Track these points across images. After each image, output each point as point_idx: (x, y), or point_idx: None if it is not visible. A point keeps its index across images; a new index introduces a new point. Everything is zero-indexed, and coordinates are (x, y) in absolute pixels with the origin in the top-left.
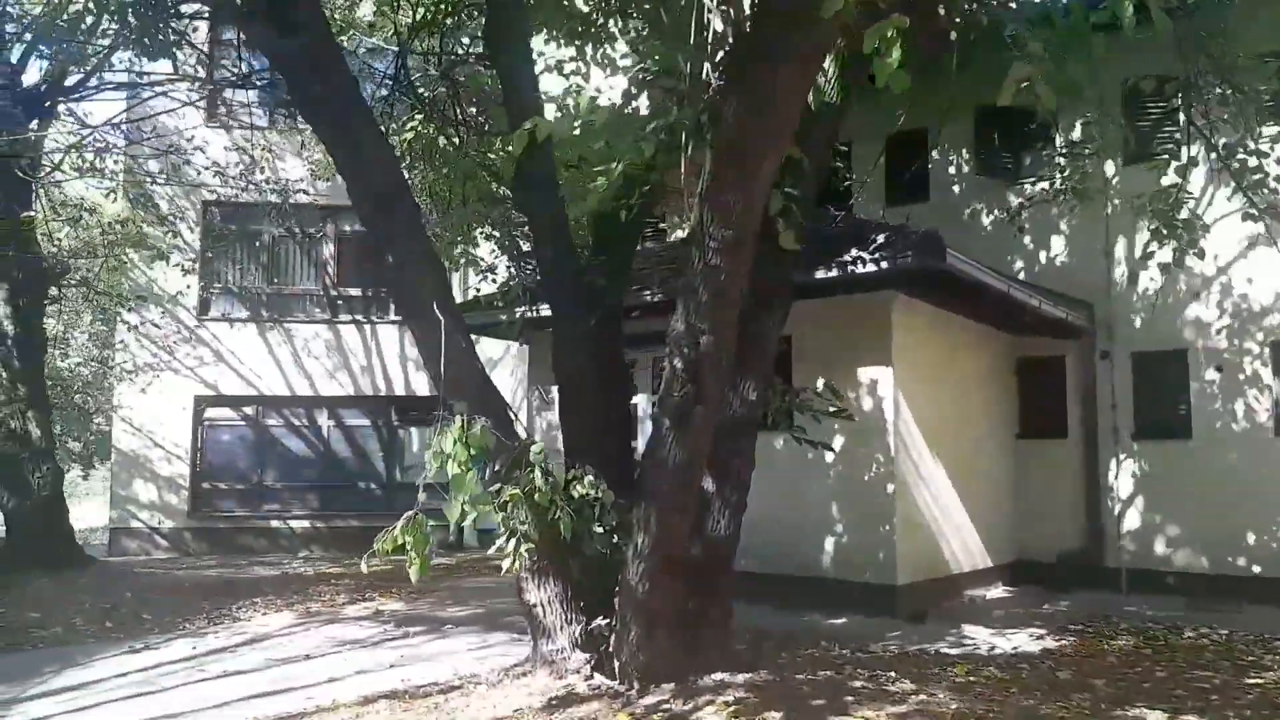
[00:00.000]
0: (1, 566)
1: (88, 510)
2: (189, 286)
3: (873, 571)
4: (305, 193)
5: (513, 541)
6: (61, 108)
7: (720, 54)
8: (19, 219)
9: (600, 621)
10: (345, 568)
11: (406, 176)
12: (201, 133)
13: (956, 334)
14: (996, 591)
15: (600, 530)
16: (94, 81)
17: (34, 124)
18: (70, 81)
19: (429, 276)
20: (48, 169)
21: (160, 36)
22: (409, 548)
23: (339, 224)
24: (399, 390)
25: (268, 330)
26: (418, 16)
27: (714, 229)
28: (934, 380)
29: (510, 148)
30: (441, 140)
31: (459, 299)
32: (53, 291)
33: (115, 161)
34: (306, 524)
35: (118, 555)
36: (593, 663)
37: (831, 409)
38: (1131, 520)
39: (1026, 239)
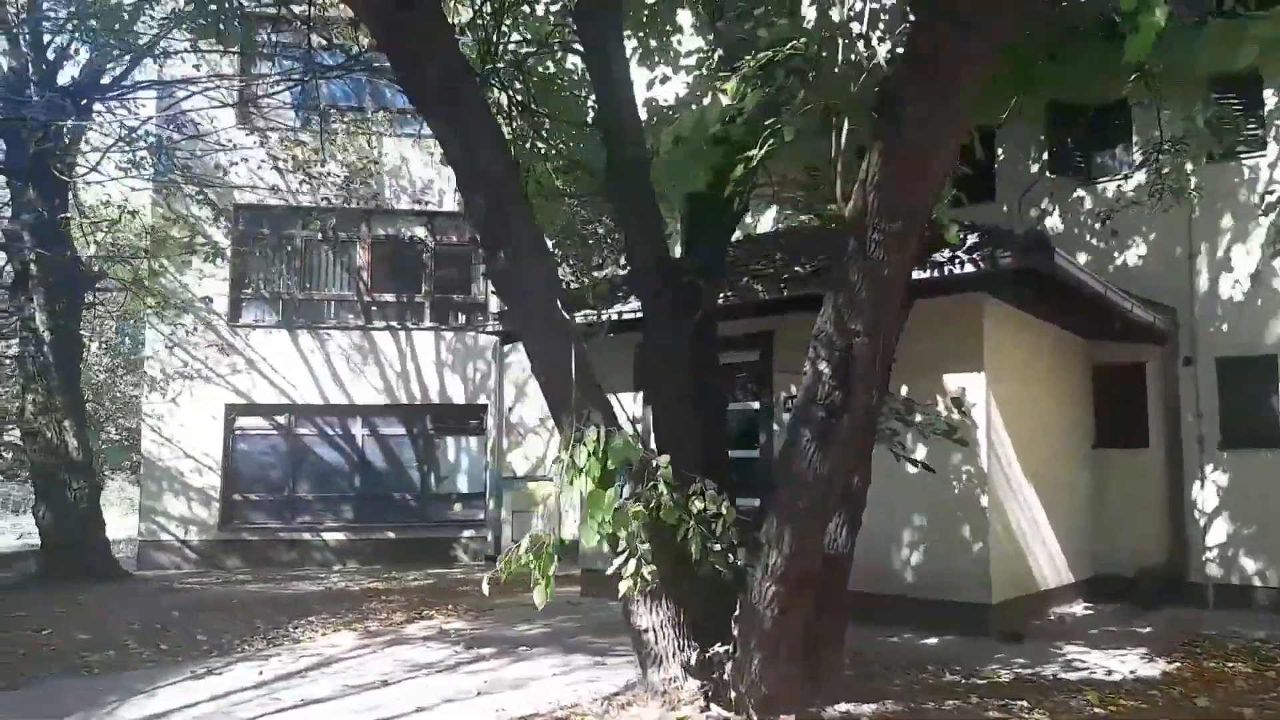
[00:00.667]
0: (38, 581)
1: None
2: (215, 297)
3: (964, 589)
4: (340, 196)
5: (632, 562)
6: (97, 106)
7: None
8: (56, 220)
9: (719, 648)
10: (388, 582)
11: None
12: (234, 135)
13: (1038, 339)
14: (1078, 608)
15: (719, 549)
16: (129, 80)
17: (69, 123)
18: (106, 80)
19: (544, 276)
20: (84, 170)
21: (223, 20)
22: (533, 570)
23: (373, 228)
24: (434, 398)
25: (300, 337)
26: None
27: (881, 220)
28: (1020, 387)
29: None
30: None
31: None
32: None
33: (150, 164)
34: (340, 537)
35: (147, 569)
36: (708, 692)
37: (943, 428)
38: (1217, 533)
39: (1096, 240)
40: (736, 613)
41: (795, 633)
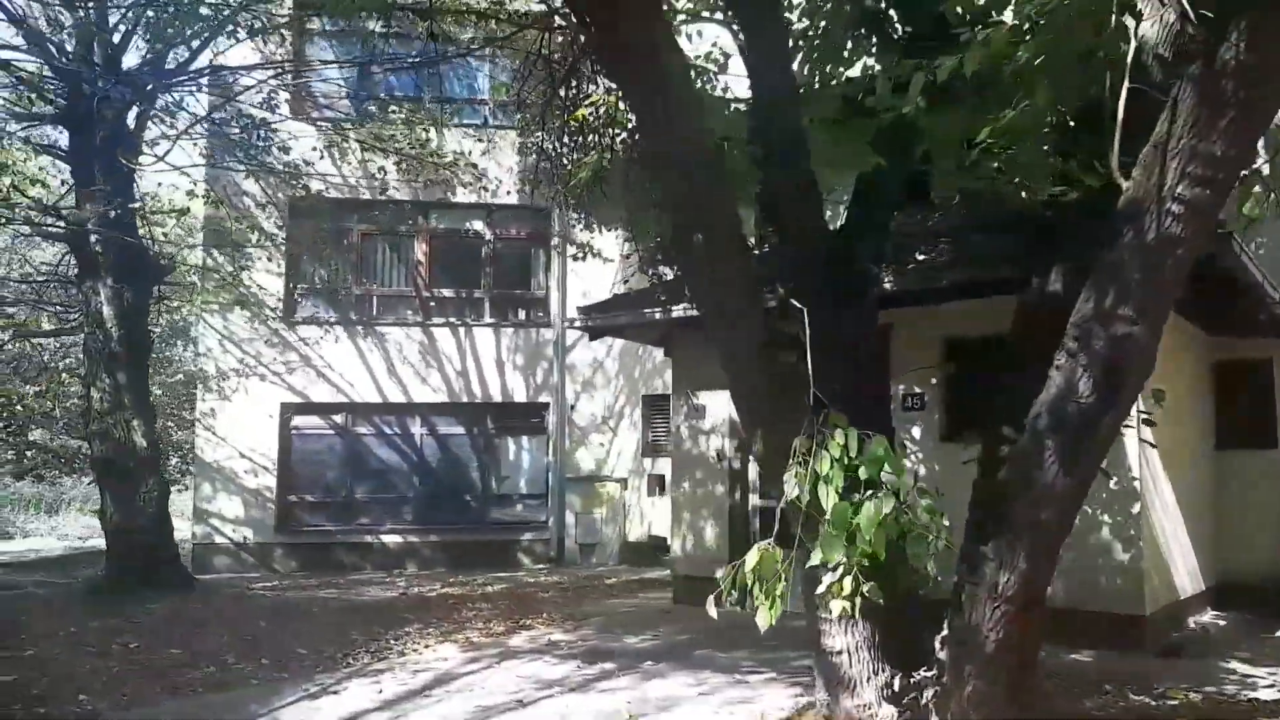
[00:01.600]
0: (106, 589)
1: None
2: (270, 292)
3: (1115, 599)
4: (400, 187)
5: (848, 579)
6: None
7: None
8: (124, 208)
9: (925, 673)
10: (461, 588)
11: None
12: (288, 126)
13: (1169, 333)
14: (1208, 617)
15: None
16: (191, 66)
17: (134, 109)
18: (170, 65)
19: (742, 265)
20: (151, 159)
21: None
22: (759, 588)
23: (432, 221)
24: (495, 396)
25: (358, 334)
26: None
27: (1184, 188)
28: (1156, 384)
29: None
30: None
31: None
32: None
33: (205, 155)
34: (399, 539)
35: (202, 573)
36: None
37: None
38: None
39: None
40: (943, 634)
41: (1018, 657)
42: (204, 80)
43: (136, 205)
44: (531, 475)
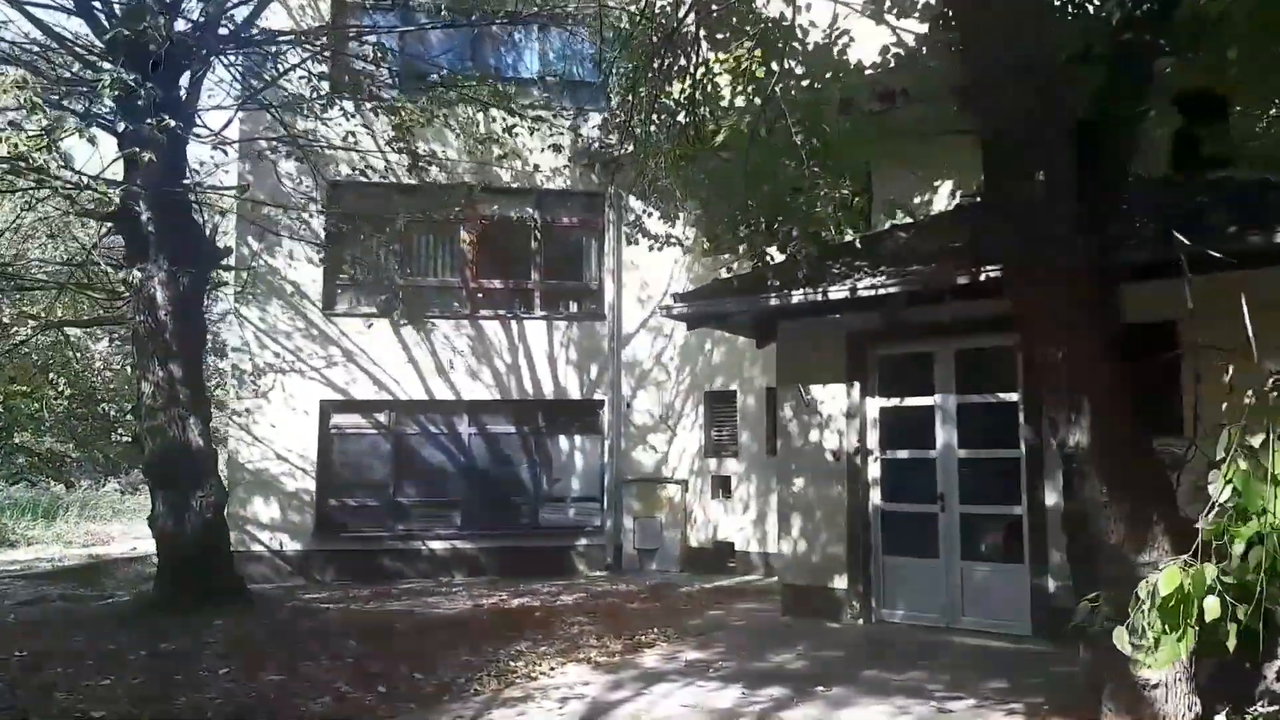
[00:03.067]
0: (163, 604)
1: (138, 530)
2: (308, 283)
3: None
4: (442, 170)
5: (1213, 602)
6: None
7: None
8: (190, 189)
9: (1265, 708)
10: (530, 597)
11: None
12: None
13: None
14: None
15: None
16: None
17: (186, 77)
18: (223, 31)
19: (1075, 229)
20: (208, 135)
21: None
22: (1157, 618)
23: (479, 209)
24: (547, 393)
25: (401, 327)
26: None
27: None
28: None
29: None
30: None
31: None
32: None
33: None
34: (446, 545)
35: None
36: None
37: None
38: None
39: None
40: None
41: None
42: (260, 42)
43: (189, 181)
44: (586, 477)
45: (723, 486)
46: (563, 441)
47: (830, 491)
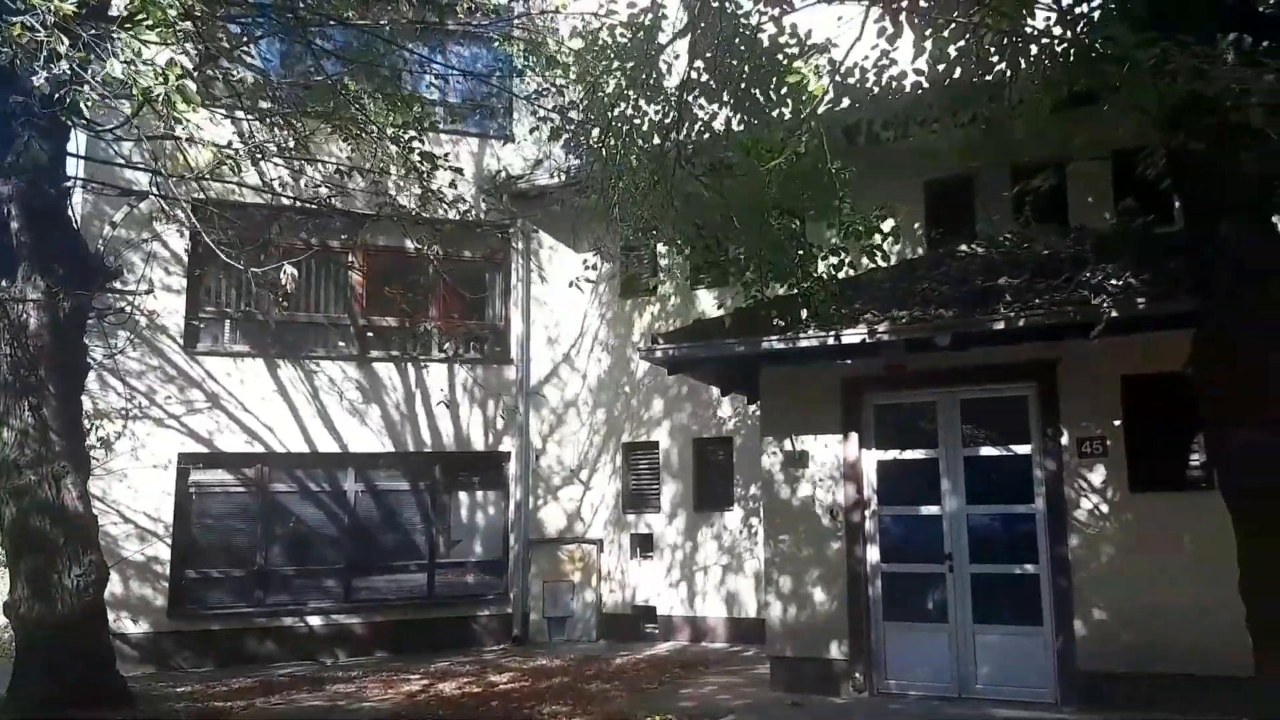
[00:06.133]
0: (24, 708)
1: None
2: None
3: None
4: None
5: None
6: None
7: None
8: (59, 187)
9: None
10: (453, 681)
11: None
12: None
13: None
14: None
15: None
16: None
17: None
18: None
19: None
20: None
21: None
22: None
23: (373, 238)
24: (448, 444)
25: (279, 368)
26: None
27: None
28: None
29: None
30: None
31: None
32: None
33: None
34: (327, 621)
35: None
36: None
37: None
38: None
39: None
40: None
41: None
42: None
43: (70, 184)
44: (489, 537)
45: (643, 545)
46: (463, 498)
47: (825, 551)
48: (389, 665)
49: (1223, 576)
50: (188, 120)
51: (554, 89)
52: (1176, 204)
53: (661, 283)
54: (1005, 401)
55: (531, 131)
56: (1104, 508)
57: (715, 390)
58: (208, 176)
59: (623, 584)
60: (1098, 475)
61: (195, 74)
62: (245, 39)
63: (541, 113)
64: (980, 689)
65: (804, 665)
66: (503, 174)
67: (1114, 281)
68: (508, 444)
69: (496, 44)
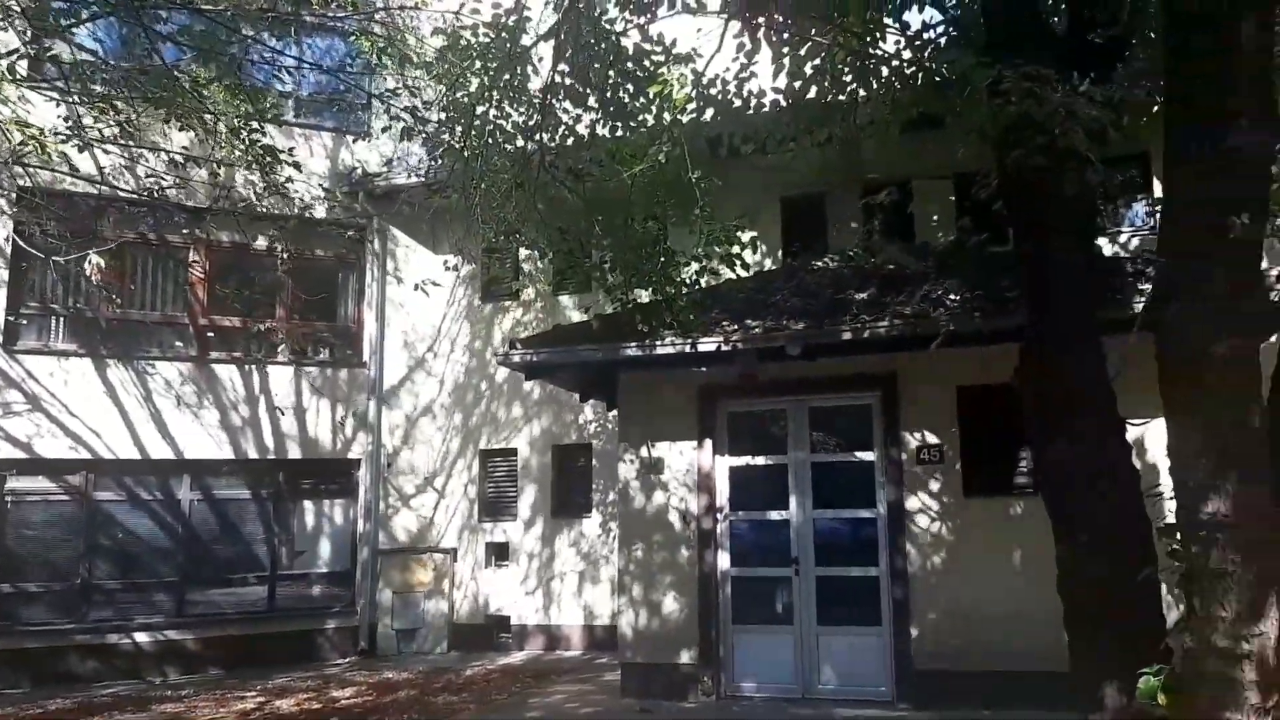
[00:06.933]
0: None
1: None
2: None
3: None
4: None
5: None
6: None
7: None
8: None
9: None
10: (291, 699)
11: None
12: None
13: None
14: None
15: None
16: None
17: None
18: None
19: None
20: None
21: None
22: None
23: (214, 232)
24: (293, 450)
25: (107, 369)
26: None
27: None
28: None
29: None
30: None
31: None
32: None
33: None
34: (156, 637)
35: None
36: None
37: None
38: None
39: None
40: None
41: None
42: None
43: None
44: (337, 547)
45: (498, 553)
46: (309, 506)
47: (677, 558)
48: (224, 683)
49: (1044, 577)
50: (9, 101)
51: (407, 89)
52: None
53: (524, 287)
54: (851, 410)
55: (384, 130)
56: (939, 513)
57: (576, 396)
58: (16, 161)
59: (477, 593)
60: (934, 481)
61: (22, 52)
62: (75, 18)
63: (394, 111)
64: (823, 689)
65: (654, 672)
66: (359, 171)
67: (952, 297)
68: (358, 450)
69: (353, 38)
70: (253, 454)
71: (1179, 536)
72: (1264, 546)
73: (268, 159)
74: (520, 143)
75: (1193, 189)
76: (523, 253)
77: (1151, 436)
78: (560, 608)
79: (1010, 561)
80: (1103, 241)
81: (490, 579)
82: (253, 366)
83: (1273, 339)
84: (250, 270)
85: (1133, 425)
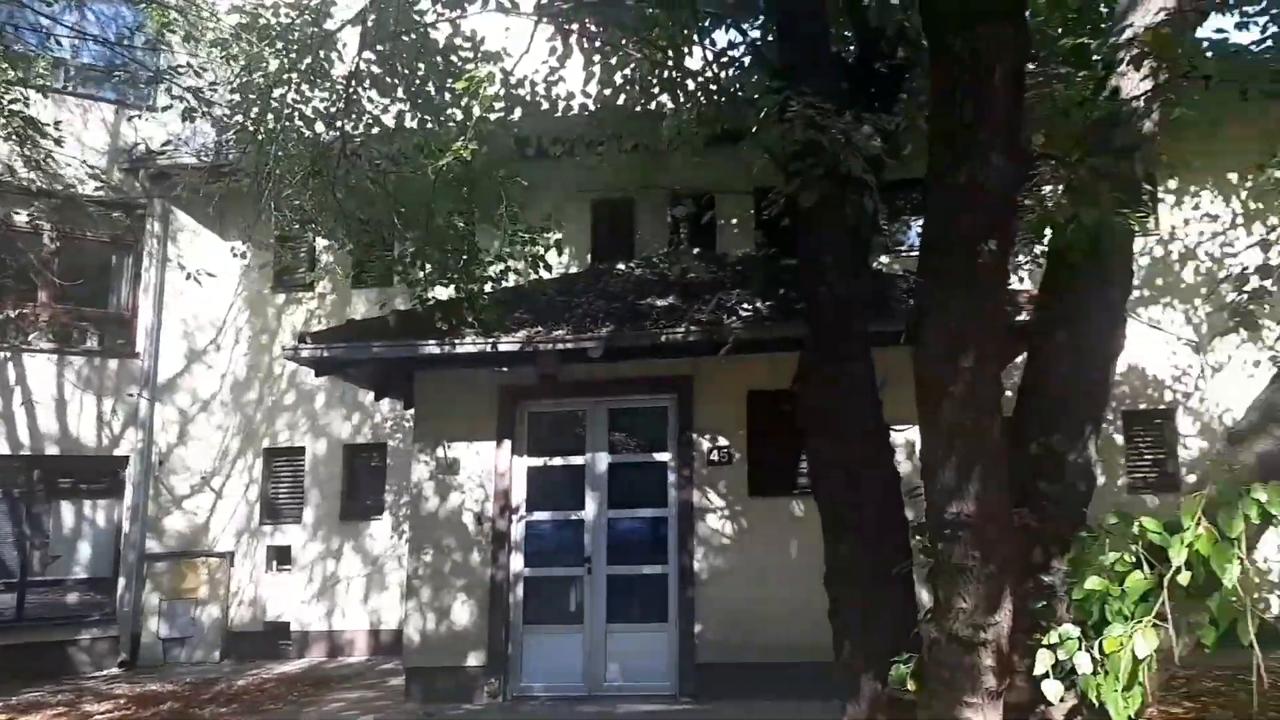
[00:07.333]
0: None
1: None
2: None
3: None
4: None
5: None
6: None
7: None
8: None
9: None
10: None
11: None
12: None
13: None
14: None
15: None
16: None
17: None
18: None
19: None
20: None
21: None
22: (1106, 678)
23: None
24: (51, 446)
25: None
26: None
27: None
28: None
29: None
30: None
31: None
32: None
33: None
34: None
35: None
36: None
37: None
38: None
39: None
40: None
41: None
42: None
43: None
44: (98, 551)
45: (280, 557)
46: (67, 508)
47: (470, 560)
48: None
49: (818, 573)
50: None
51: (192, 67)
52: None
53: (319, 278)
54: (649, 411)
55: (164, 109)
56: (726, 512)
57: (371, 394)
58: None
59: (255, 599)
60: (723, 482)
61: None
62: None
63: (176, 91)
64: (610, 686)
65: (441, 675)
66: (140, 148)
67: (745, 306)
68: (126, 447)
69: (141, 5)
70: (5, 449)
71: (929, 534)
72: (1000, 544)
73: (29, 131)
74: (321, 129)
75: (947, 217)
76: (320, 242)
77: (914, 443)
78: (345, 614)
79: (789, 558)
80: (886, 259)
81: (271, 584)
82: (8, 354)
83: (1019, 359)
84: (10, 248)
85: (897, 431)
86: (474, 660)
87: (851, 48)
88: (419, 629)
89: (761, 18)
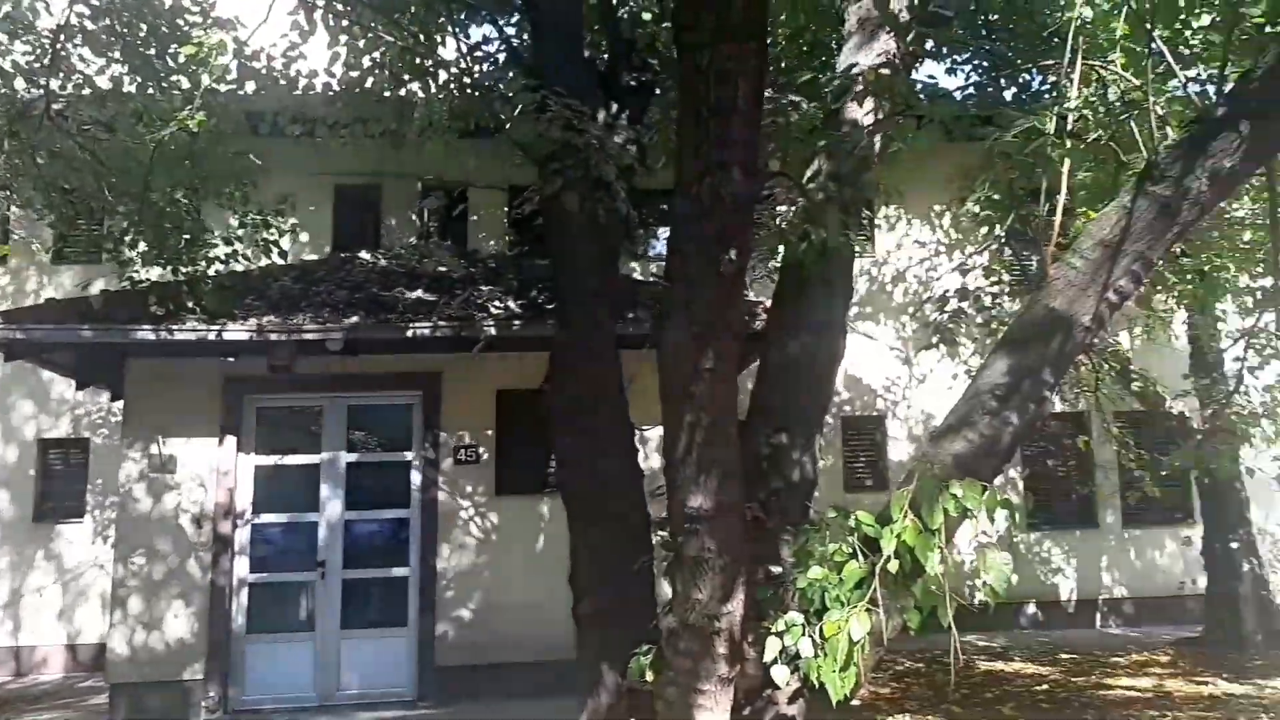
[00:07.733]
0: None
1: None
2: None
3: None
4: None
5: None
6: None
7: None
8: None
9: None
10: None
11: None
12: None
13: None
14: None
15: None
16: None
17: None
18: None
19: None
20: None
21: None
22: (824, 656)
23: None
24: None
25: None
26: None
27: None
28: None
29: None
30: None
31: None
32: None
33: None
34: None
35: None
36: None
37: None
38: None
39: None
40: None
41: None
42: None
43: None
44: None
45: None
46: None
47: (187, 566)
48: None
49: (562, 571)
50: None
51: None
52: None
53: (9, 254)
54: (392, 409)
55: None
56: (472, 512)
57: (71, 383)
58: None
59: None
60: (470, 481)
61: None
62: None
63: None
64: (344, 695)
65: (152, 691)
66: None
67: (496, 304)
68: None
69: None
70: None
71: (670, 528)
72: (734, 537)
73: None
74: (21, 85)
75: (691, 225)
76: (15, 212)
77: (658, 441)
78: (36, 627)
79: (535, 557)
80: (635, 265)
81: None
82: None
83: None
84: None
85: (642, 430)
86: (191, 673)
87: (605, 56)
88: (126, 640)
89: (517, 15)
